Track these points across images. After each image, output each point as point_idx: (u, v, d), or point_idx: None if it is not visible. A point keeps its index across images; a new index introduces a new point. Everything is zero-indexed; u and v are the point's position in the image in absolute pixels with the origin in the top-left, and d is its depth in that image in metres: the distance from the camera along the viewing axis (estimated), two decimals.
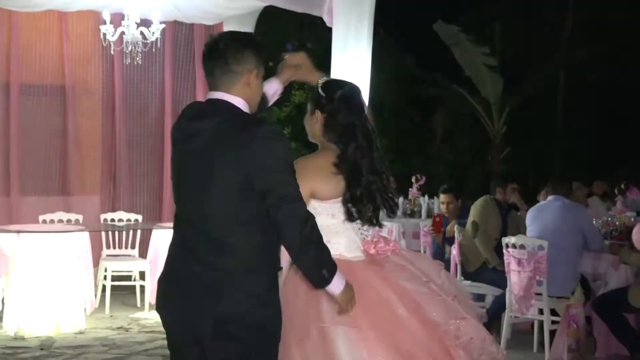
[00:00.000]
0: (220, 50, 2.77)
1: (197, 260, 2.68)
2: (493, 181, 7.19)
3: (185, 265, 2.71)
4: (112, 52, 8.04)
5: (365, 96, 3.64)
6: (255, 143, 2.61)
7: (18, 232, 6.61)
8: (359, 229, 3.19)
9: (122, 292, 8.02)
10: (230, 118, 2.71)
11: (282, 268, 2.96)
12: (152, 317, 7.25)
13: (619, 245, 6.29)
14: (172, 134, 2.87)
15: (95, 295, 7.24)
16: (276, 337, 2.73)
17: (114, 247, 8.07)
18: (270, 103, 3.28)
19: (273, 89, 3.22)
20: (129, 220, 8.22)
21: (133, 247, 8.09)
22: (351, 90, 3.28)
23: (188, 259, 2.71)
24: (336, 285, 2.75)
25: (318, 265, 2.71)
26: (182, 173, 2.78)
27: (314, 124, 3.23)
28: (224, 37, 2.82)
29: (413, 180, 10.18)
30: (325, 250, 2.72)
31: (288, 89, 3.57)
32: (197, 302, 2.65)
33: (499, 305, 6.32)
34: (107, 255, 7.98)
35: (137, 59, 7.78)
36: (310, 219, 2.66)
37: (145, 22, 7.74)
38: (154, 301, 7.29)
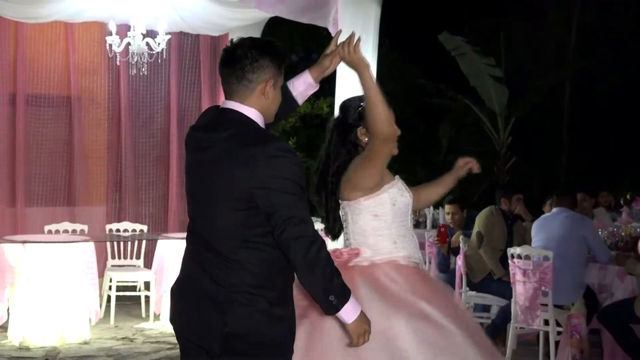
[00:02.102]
0: (238, 57, 2.65)
1: (206, 274, 2.63)
2: (498, 192, 7.18)
3: (196, 278, 2.67)
4: (117, 62, 8.06)
5: None
6: (261, 161, 2.52)
7: (23, 242, 6.62)
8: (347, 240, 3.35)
9: (127, 303, 8.02)
10: (240, 132, 2.62)
11: None
12: (156, 328, 7.25)
13: (625, 256, 6.28)
14: (185, 141, 2.81)
15: (100, 306, 7.25)
16: (287, 353, 2.67)
17: (119, 258, 8.08)
18: (301, 102, 3.13)
19: (303, 85, 3.04)
20: (134, 230, 8.23)
21: (138, 257, 8.09)
22: (342, 104, 3.37)
23: (198, 273, 2.66)
24: (347, 314, 2.61)
25: (324, 290, 2.57)
26: (193, 185, 2.72)
27: None
28: (242, 44, 2.68)
29: None
30: (334, 274, 2.58)
31: None
32: (206, 316, 2.61)
33: (505, 316, 6.30)
34: (112, 266, 7.99)
35: (143, 69, 7.80)
36: (316, 241, 2.55)
37: (151, 33, 7.77)
38: (158, 312, 7.39)
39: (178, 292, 2.76)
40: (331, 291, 2.58)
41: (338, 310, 2.59)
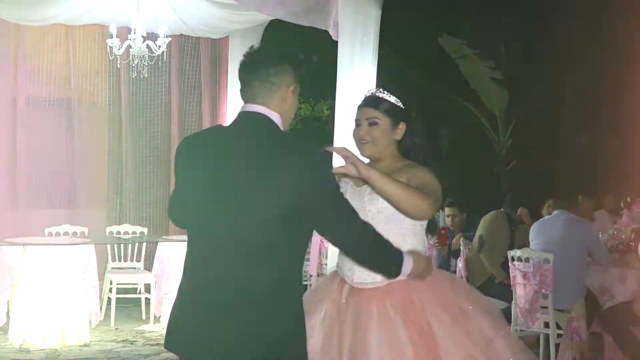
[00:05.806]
0: (261, 61, 2.65)
1: (224, 283, 2.53)
2: (510, 194, 7.14)
3: (209, 288, 2.56)
4: (118, 65, 8.07)
5: None
6: (309, 169, 2.50)
7: (24, 244, 6.62)
8: None
9: (127, 305, 8.02)
10: (276, 137, 2.60)
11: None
12: (157, 330, 7.25)
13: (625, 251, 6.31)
14: (190, 145, 2.73)
15: (101, 308, 7.25)
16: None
17: (120, 260, 8.09)
18: None
19: None
20: (134, 233, 8.24)
21: (138, 260, 8.10)
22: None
23: (213, 282, 2.56)
24: (405, 271, 2.82)
25: (386, 265, 2.82)
26: (216, 189, 2.58)
27: (394, 136, 3.35)
28: (264, 49, 2.71)
29: None
30: (388, 248, 2.76)
31: None
32: (230, 327, 2.51)
33: (505, 318, 6.30)
34: (113, 268, 7.99)
35: (144, 72, 7.81)
36: (367, 226, 2.66)
37: (151, 36, 7.77)
38: (159, 314, 7.38)
39: (186, 305, 2.64)
40: (392, 262, 2.80)
41: (399, 273, 2.82)
